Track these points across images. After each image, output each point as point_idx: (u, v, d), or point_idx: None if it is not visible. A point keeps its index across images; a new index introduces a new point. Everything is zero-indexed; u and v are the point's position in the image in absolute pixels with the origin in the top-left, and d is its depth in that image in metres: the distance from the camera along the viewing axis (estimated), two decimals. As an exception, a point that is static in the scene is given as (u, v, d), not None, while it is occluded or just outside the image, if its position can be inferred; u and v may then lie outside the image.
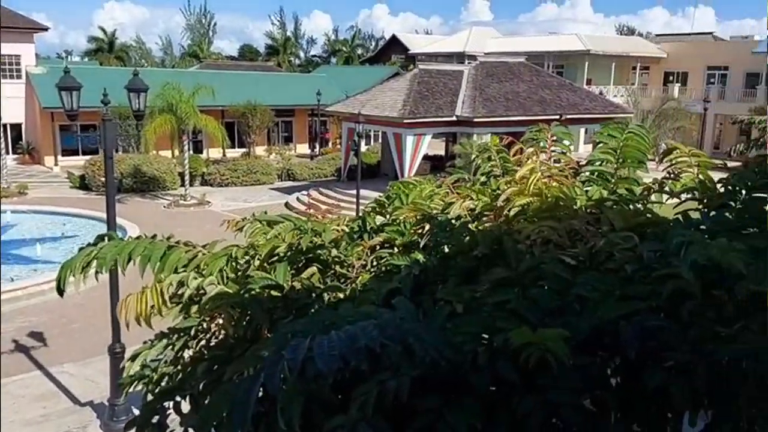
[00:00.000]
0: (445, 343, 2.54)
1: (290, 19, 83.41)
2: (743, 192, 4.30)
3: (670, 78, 45.58)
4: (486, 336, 2.79)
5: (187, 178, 26.50)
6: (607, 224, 4.13)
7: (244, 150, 35.59)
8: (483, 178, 5.34)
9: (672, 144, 5.01)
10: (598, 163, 4.91)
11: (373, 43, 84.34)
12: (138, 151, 28.58)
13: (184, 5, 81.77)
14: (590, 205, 4.42)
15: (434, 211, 4.70)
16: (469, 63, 30.83)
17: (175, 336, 3.61)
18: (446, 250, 3.88)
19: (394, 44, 65.57)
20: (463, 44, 51.48)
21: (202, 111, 27.36)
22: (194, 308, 3.50)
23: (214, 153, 34.30)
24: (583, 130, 36.69)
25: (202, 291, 3.40)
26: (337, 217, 5.29)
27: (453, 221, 4.32)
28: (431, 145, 28.42)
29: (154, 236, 3.61)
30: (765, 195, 4.31)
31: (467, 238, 3.75)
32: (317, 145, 39.21)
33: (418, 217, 4.17)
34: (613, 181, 4.77)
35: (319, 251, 3.94)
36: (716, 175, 4.89)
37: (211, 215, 24.38)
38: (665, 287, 3.15)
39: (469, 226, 4.20)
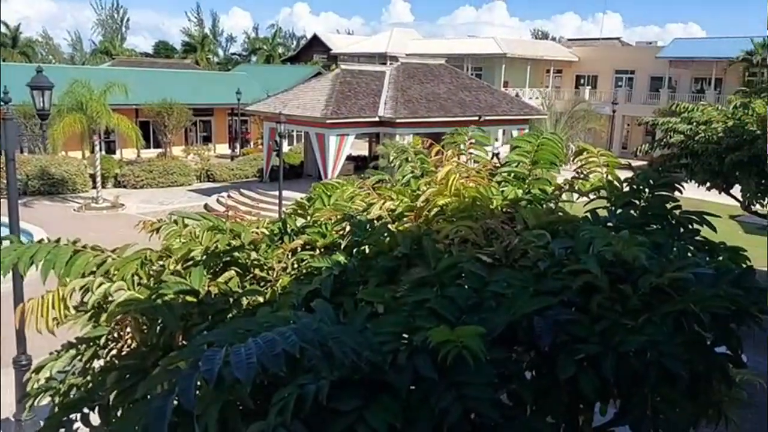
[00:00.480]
0: (364, 344, 2.55)
1: (208, 16, 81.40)
2: (647, 190, 4.55)
3: (582, 81, 47.66)
4: (406, 335, 2.82)
5: (99, 179, 25.33)
6: (521, 223, 4.27)
7: (160, 150, 34.39)
8: (404, 179, 5.40)
9: (581, 145, 5.23)
10: (514, 164, 5.08)
11: (295, 42, 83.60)
12: (45, 152, 27.05)
13: (94, 0, 77.99)
14: (506, 204, 4.55)
15: (355, 213, 4.71)
16: (390, 64, 31.09)
17: (84, 346, 3.44)
18: (367, 250, 3.90)
19: (316, 44, 65.20)
20: (385, 45, 51.87)
21: (115, 110, 26.18)
22: (104, 316, 3.35)
23: (129, 153, 32.97)
24: (501, 131, 37.78)
25: (111, 298, 3.25)
26: (257, 219, 5.20)
27: (374, 221, 4.34)
28: (355, 146, 28.46)
29: (58, 240, 3.42)
30: (666, 193, 4.58)
31: (387, 238, 3.77)
32: (238, 145, 38.44)
33: (338, 217, 4.15)
34: (527, 181, 4.93)
35: (237, 254, 3.86)
36: (624, 174, 5.16)
37: (126, 218, 23.43)
38: (576, 282, 3.29)
39: (390, 226, 4.23)
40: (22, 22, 78.97)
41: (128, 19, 79.32)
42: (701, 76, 41.49)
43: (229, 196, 26.28)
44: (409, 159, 5.56)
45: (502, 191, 4.96)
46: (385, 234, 3.75)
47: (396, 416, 2.41)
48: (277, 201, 21.23)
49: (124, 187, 28.54)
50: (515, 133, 30.92)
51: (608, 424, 3.40)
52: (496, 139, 31.30)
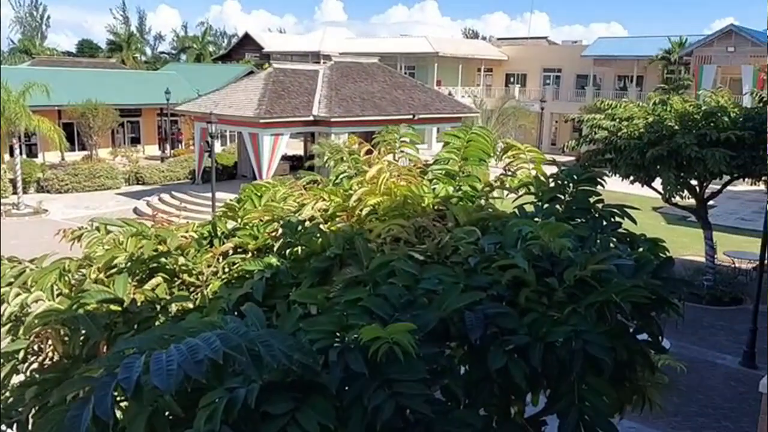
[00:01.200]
0: (294, 346, 2.53)
1: (134, 14, 78.79)
2: (571, 186, 4.71)
3: (511, 79, 48.82)
4: (339, 334, 2.82)
5: (19, 184, 24.10)
6: (452, 220, 4.33)
7: (85, 153, 33.05)
8: (337, 179, 5.38)
9: (509, 142, 5.36)
10: (444, 162, 5.14)
11: (226, 41, 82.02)
12: None
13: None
14: (437, 202, 4.61)
15: (287, 214, 4.66)
16: (324, 63, 30.93)
17: (2, 360, 3.27)
18: (299, 252, 3.86)
19: (248, 42, 64.12)
20: (318, 44, 51.47)
21: (36, 111, 24.95)
22: (22, 328, 3.19)
23: (52, 157, 31.52)
24: (435, 129, 38.25)
25: (29, 309, 3.10)
26: (186, 222, 5.06)
27: (306, 222, 4.31)
28: (290, 145, 28.19)
29: (-31, 252, 3.24)
30: (589, 187, 4.75)
31: (320, 239, 3.75)
32: (168, 147, 37.37)
33: (268, 219, 4.09)
34: (458, 179, 5.00)
35: (164, 260, 3.75)
36: (553, 170, 5.33)
37: (50, 225, 22.40)
38: (505, 277, 3.37)
39: (322, 227, 4.21)
40: (-70, 18, 74.25)
41: (48, 17, 76.08)
42: (624, 73, 43.24)
43: (159, 199, 25.53)
44: (344, 159, 5.56)
45: (434, 189, 5.03)
46: (317, 235, 3.73)
47: (329, 416, 2.40)
48: (210, 203, 20.78)
49: (48, 191, 27.26)
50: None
51: (539, 414, 3.49)
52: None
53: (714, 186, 15.30)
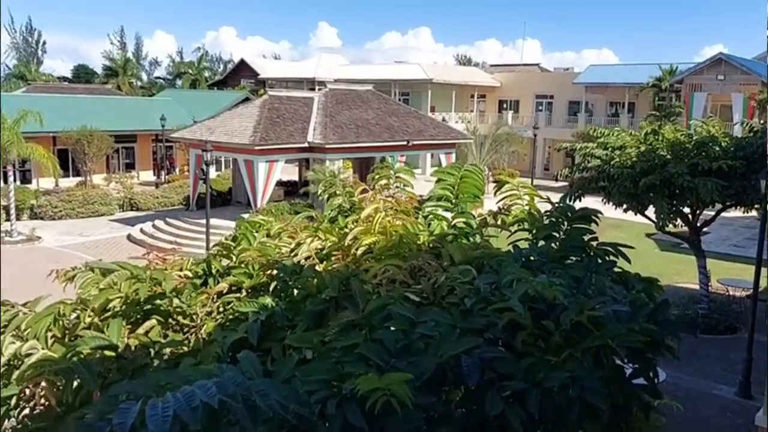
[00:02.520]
0: (291, 397, 2.51)
1: (131, 39, 79.27)
2: (565, 223, 4.73)
3: (504, 105, 49.23)
4: (335, 383, 2.80)
5: (13, 212, 24.00)
6: (447, 258, 4.34)
7: (80, 179, 33.03)
8: (331, 214, 5.39)
9: (502, 179, 5.39)
10: (438, 198, 5.17)
11: (221, 66, 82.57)
12: None
13: (7, 22, 74.63)
14: (432, 240, 4.62)
15: (283, 250, 4.65)
16: (319, 89, 31.16)
17: (-7, 407, 3.23)
18: (295, 292, 3.85)
19: (243, 68, 64.58)
20: (313, 70, 52.01)
21: (30, 138, 24.97)
22: (16, 374, 3.16)
23: (46, 183, 31.47)
24: (429, 155, 38.42)
25: (22, 356, 3.07)
26: (181, 258, 5.05)
27: (302, 261, 4.31)
28: (285, 170, 28.23)
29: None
30: (584, 225, 4.77)
31: (315, 280, 3.75)
32: (163, 173, 37.38)
33: (263, 263, 4.09)
34: (452, 215, 5.02)
35: (159, 301, 3.74)
36: (547, 194, 5.34)
37: (43, 252, 22.29)
38: (501, 319, 3.37)
39: (318, 266, 4.21)
40: (-73, 44, 74.52)
41: (44, 43, 76.54)
42: (615, 100, 43.69)
43: (153, 226, 25.45)
44: (337, 192, 5.58)
45: (429, 225, 5.05)
46: (313, 276, 3.72)
47: (325, 471, 2.37)
48: (204, 230, 20.72)
49: (41, 218, 27.14)
50: (443, 157, 31.52)
51: (536, 458, 3.46)
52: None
53: (707, 213, 15.40)
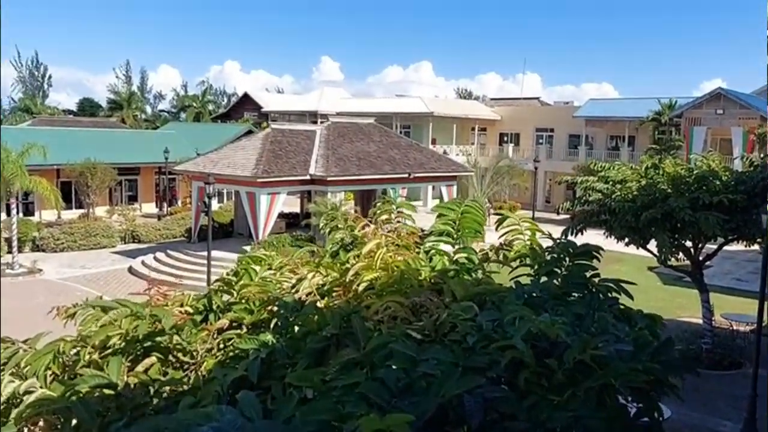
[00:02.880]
0: (291, 439, 2.49)
1: (136, 73, 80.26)
2: (567, 259, 4.73)
3: (505, 138, 49.58)
4: (336, 424, 2.77)
5: (15, 244, 24.02)
6: (449, 294, 4.33)
7: (82, 211, 33.14)
8: (334, 248, 5.38)
9: (504, 213, 5.41)
10: (439, 234, 5.18)
11: (225, 99, 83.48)
12: None
13: (13, 56, 75.72)
14: (434, 275, 4.61)
15: (284, 285, 4.65)
16: (321, 123, 31.46)
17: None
18: (296, 328, 3.83)
19: (247, 102, 65.35)
20: (316, 104, 52.56)
21: (35, 171, 25.17)
22: (14, 412, 3.13)
23: (48, 215, 31.58)
24: (430, 187, 38.57)
25: (21, 394, 3.05)
26: (182, 293, 5.04)
27: (303, 296, 4.30)
28: (287, 202, 28.32)
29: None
30: (585, 261, 4.77)
31: (316, 317, 3.73)
32: (166, 205, 37.51)
33: (264, 299, 4.08)
34: (454, 250, 5.03)
35: (159, 338, 3.72)
36: (548, 226, 5.33)
37: (44, 285, 22.25)
38: (504, 357, 3.34)
39: (319, 302, 4.20)
40: (-65, 78, 75.62)
41: (50, 76, 77.50)
42: (616, 133, 44.00)
43: (155, 258, 25.44)
44: (339, 226, 5.58)
45: (430, 260, 5.05)
46: (314, 313, 3.71)
47: None
48: (205, 262, 20.70)
49: (43, 251, 27.15)
50: (444, 190, 31.65)
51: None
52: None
53: (710, 246, 15.37)
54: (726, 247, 15.68)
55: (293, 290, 4.33)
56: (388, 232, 5.19)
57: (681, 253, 14.40)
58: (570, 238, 15.86)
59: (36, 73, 75.71)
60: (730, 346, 14.89)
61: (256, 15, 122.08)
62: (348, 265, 4.57)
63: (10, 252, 24.21)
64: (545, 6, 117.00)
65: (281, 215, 27.85)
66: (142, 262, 25.06)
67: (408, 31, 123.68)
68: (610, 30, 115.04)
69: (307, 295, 4.13)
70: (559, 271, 4.63)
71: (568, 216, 24.52)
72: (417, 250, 5.07)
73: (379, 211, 5.52)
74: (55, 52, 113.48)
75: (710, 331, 14.96)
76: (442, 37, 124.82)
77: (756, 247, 15.49)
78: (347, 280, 4.32)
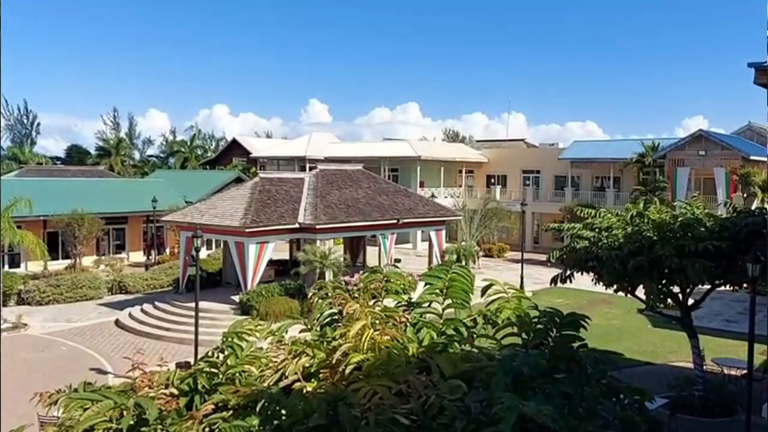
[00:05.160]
0: None
1: (124, 118, 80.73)
2: (554, 330, 4.74)
3: (492, 180, 50.06)
4: None
5: (-1, 298, 23.69)
6: (437, 372, 4.31)
7: (69, 261, 32.84)
8: (320, 317, 5.35)
9: (490, 279, 5.43)
10: (426, 304, 5.18)
11: (214, 143, 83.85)
12: None
13: (2, 104, 76.16)
14: (422, 351, 4.59)
15: (270, 365, 4.61)
16: (310, 169, 31.61)
17: None
18: (282, 418, 3.79)
19: (235, 147, 65.69)
20: (304, 149, 52.92)
21: (21, 222, 25.05)
22: None
23: (34, 266, 31.25)
24: (419, 232, 38.66)
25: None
26: (167, 369, 4.99)
27: (290, 378, 4.26)
28: (276, 248, 28.21)
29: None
30: (572, 332, 4.78)
31: (302, 405, 3.70)
32: (154, 253, 37.27)
33: (247, 392, 4.04)
34: (441, 322, 5.02)
35: (143, 429, 3.67)
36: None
37: (29, 340, 21.86)
38: (492, 445, 3.32)
39: (306, 386, 4.16)
40: None
41: (38, 124, 77.72)
42: (601, 174, 44.55)
43: (142, 310, 25.13)
44: (328, 294, 5.57)
45: (418, 332, 5.03)
46: (300, 402, 3.68)
47: None
48: (193, 313, 20.46)
49: (29, 304, 26.75)
50: (433, 234, 31.71)
51: None
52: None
53: (699, 289, 15.42)
54: (714, 288, 15.74)
55: (279, 372, 4.30)
56: (375, 302, 5.19)
57: (669, 300, 14.44)
58: (559, 285, 15.93)
59: (25, 120, 75.98)
60: (722, 392, 14.82)
61: (244, 58, 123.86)
62: (335, 343, 4.56)
63: (-6, 306, 23.83)
64: (529, 46, 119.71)
65: (270, 263, 27.70)
66: (129, 315, 24.74)
67: (395, 73, 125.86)
68: (593, 69, 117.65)
69: (293, 382, 4.09)
70: (546, 342, 4.64)
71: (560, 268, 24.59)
72: (404, 318, 5.06)
73: (367, 281, 5.52)
74: (42, 97, 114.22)
75: (701, 377, 14.90)
76: (428, 78, 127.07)
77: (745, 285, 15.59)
78: (334, 360, 4.30)
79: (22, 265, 31.93)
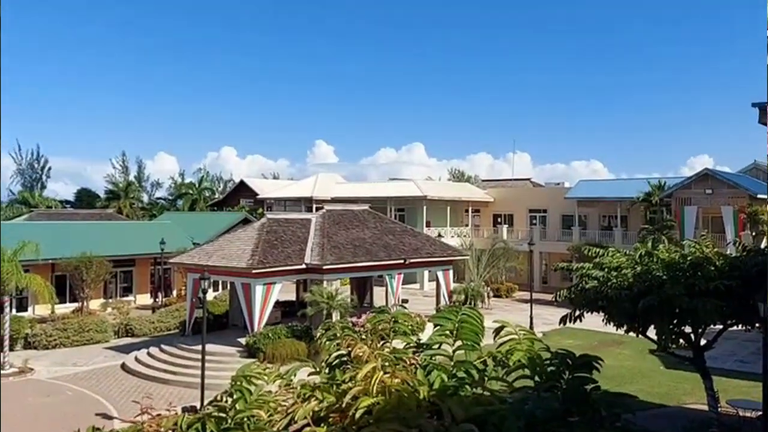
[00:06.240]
0: None
1: (133, 162, 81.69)
2: (566, 372, 4.69)
3: (499, 219, 50.07)
4: None
5: (6, 343, 23.59)
6: (448, 416, 4.25)
7: (76, 305, 32.82)
8: (331, 361, 5.31)
9: (501, 321, 5.39)
10: (436, 346, 5.15)
11: (222, 185, 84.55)
12: None
13: (13, 149, 77.41)
14: (433, 395, 4.54)
15: (279, 409, 4.56)
16: (317, 209, 31.76)
17: None
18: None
19: (243, 189, 66.22)
20: (311, 189, 53.26)
21: (30, 266, 25.15)
22: None
23: (42, 310, 31.24)
24: (426, 272, 38.54)
25: None
26: (175, 413, 4.94)
27: (299, 423, 4.21)
28: (282, 289, 28.16)
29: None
30: (585, 374, 4.73)
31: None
32: (161, 295, 37.25)
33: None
34: (452, 364, 4.98)
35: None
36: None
37: (35, 385, 21.69)
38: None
39: (316, 430, 4.10)
40: (-66, 173, 76.67)
41: (49, 168, 78.68)
42: (608, 213, 44.54)
43: (148, 354, 24.97)
44: (337, 335, 5.54)
45: (428, 375, 4.98)
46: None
47: None
48: (199, 356, 20.31)
49: (35, 348, 26.63)
50: (440, 274, 31.58)
51: None
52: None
53: (711, 329, 15.23)
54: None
55: (289, 415, 4.25)
56: (383, 344, 5.16)
57: (681, 340, 14.26)
58: (569, 325, 15.77)
59: (36, 165, 76.98)
60: (739, 435, 14.49)
61: (251, 101, 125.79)
62: (345, 386, 4.52)
63: (1, 351, 23.74)
64: (533, 87, 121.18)
65: (277, 304, 27.59)
66: (136, 358, 24.57)
67: (400, 114, 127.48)
68: (597, 108, 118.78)
69: (302, 426, 4.04)
70: (559, 385, 4.59)
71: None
72: (414, 360, 5.02)
73: (374, 322, 5.50)
74: (53, 142, 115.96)
75: (717, 419, 14.60)
76: (433, 119, 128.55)
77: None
78: (344, 404, 4.25)
79: (30, 308, 31.93)
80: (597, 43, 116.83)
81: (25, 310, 31.68)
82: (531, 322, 28.28)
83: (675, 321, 13.98)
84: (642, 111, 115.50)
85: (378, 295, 31.87)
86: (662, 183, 38.46)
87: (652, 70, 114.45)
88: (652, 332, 14.73)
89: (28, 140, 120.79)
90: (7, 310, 24.10)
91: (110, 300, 35.26)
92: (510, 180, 64.48)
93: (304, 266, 26.07)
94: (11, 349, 24.32)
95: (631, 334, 16.62)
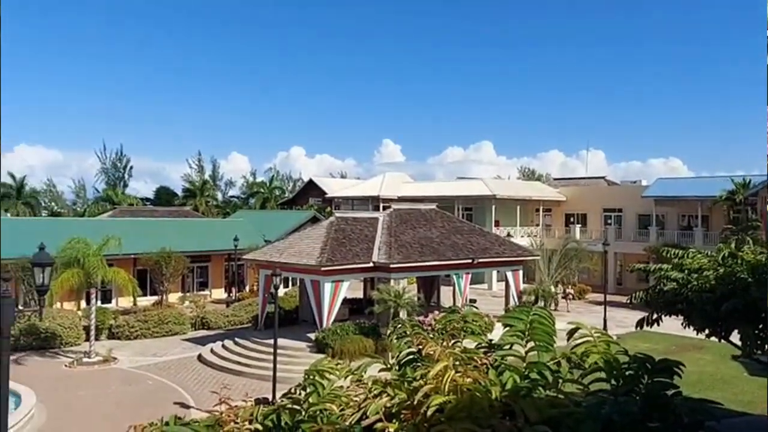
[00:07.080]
0: None
1: (208, 162, 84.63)
2: (645, 376, 4.53)
3: (571, 219, 48.80)
4: None
5: (92, 332, 24.96)
6: (522, 417, 4.19)
7: (156, 298, 34.34)
8: (399, 356, 5.33)
9: (576, 323, 5.26)
10: (507, 346, 5.07)
11: (291, 184, 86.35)
12: (41, 320, 26.67)
13: (99, 148, 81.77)
14: (505, 395, 4.48)
15: (351, 403, 4.62)
16: (384, 209, 31.95)
17: None
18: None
19: (311, 188, 67.41)
20: (378, 188, 53.60)
21: (113, 260, 26.46)
22: None
23: (124, 302, 32.87)
24: (495, 272, 38.05)
25: None
26: (250, 405, 5.10)
27: (372, 419, 4.25)
28: (351, 287, 28.50)
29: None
30: (665, 379, 4.55)
31: (385, 447, 3.67)
32: (235, 290, 38.47)
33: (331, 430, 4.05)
34: (525, 365, 4.89)
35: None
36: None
37: (117, 374, 22.84)
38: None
39: (389, 426, 4.13)
40: (27, 172, 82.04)
41: (131, 167, 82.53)
42: (688, 213, 42.66)
43: (223, 346, 25.81)
44: (407, 333, 5.55)
45: (500, 375, 4.92)
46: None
47: None
48: (271, 350, 20.81)
49: (118, 338, 28.08)
50: (509, 275, 31.11)
51: None
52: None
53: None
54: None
55: (360, 411, 4.30)
56: (454, 343, 5.13)
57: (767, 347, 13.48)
58: (646, 328, 15.21)
59: (119, 164, 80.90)
60: (833, 449, 13.57)
61: (319, 101, 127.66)
62: (416, 384, 4.52)
63: (87, 340, 25.11)
64: (606, 79, 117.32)
65: (345, 301, 27.95)
66: (211, 350, 25.46)
67: (468, 112, 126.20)
68: (676, 102, 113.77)
69: (374, 422, 4.08)
70: (637, 389, 4.44)
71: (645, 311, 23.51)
72: (485, 361, 4.97)
73: (444, 322, 5.48)
74: (135, 143, 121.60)
75: (809, 432, 13.73)
76: (502, 116, 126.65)
77: None
78: (415, 401, 4.26)
79: (113, 300, 33.63)
80: (670, 37, 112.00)
81: (109, 302, 33.40)
82: (605, 325, 27.46)
83: (761, 326, 13.22)
84: (727, 106, 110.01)
85: (445, 295, 31.72)
86: (747, 181, 36.48)
87: (736, 62, 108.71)
88: (735, 337, 14.00)
89: (112, 140, 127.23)
90: (93, 301, 25.47)
91: (187, 294, 36.69)
92: (583, 178, 62.75)
93: (371, 264, 26.27)
94: (97, 339, 25.68)
95: (712, 339, 15.87)
